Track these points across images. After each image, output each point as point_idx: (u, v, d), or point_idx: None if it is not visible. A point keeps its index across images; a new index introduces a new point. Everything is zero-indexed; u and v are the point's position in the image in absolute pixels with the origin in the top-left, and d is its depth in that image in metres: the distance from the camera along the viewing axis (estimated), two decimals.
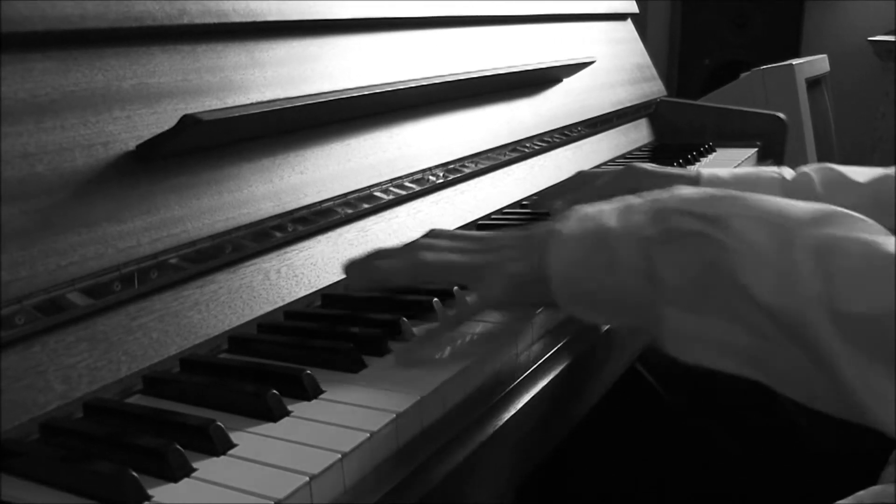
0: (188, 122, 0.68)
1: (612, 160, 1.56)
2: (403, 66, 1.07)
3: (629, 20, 1.89)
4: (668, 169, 1.10)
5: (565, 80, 1.44)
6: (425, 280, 0.71)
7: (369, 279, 0.71)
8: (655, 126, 1.82)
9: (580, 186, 1.12)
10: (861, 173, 1.04)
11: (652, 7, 3.54)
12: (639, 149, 1.70)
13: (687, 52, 3.10)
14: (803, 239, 0.57)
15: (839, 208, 0.59)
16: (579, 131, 1.47)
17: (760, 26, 3.05)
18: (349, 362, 0.67)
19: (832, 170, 1.06)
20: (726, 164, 1.63)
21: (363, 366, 0.67)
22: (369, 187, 0.94)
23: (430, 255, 0.70)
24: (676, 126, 1.84)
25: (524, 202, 1.22)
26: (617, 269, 0.63)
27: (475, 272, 0.70)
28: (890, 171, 1.03)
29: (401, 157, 1.01)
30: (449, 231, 0.75)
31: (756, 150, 1.76)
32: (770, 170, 1.08)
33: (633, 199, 0.67)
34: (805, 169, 1.07)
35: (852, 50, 2.95)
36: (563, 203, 1.04)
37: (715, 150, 1.74)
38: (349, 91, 0.88)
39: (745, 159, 1.69)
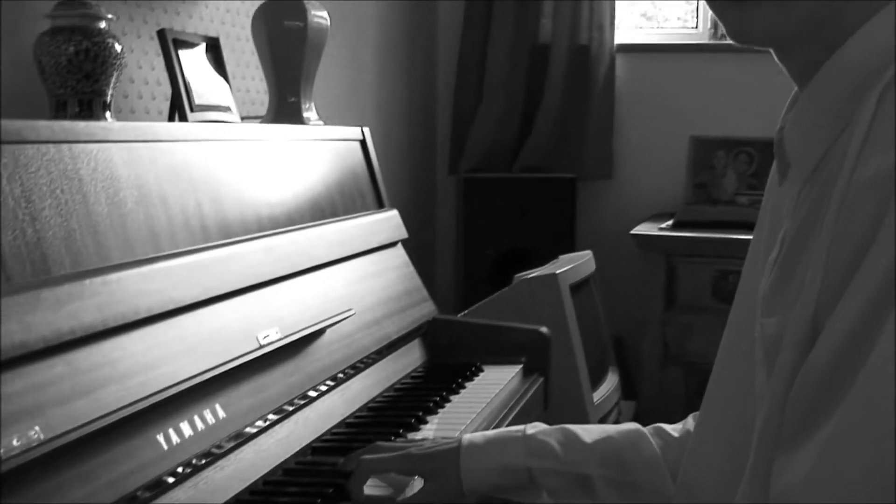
0: None
1: (382, 393, 1.65)
2: (166, 364, 1.13)
3: (399, 244, 2.00)
4: (441, 447, 1.22)
5: (329, 331, 1.53)
6: None
7: None
8: (428, 345, 1.92)
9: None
10: (590, 433, 1.20)
11: (441, 202, 3.72)
12: (410, 375, 1.79)
13: (472, 242, 3.26)
14: None
15: None
16: (346, 375, 1.56)
17: (539, 214, 3.25)
18: None
19: (567, 430, 1.21)
20: (493, 385, 1.75)
21: None
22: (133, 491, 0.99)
23: None
24: (448, 343, 1.95)
25: (289, 466, 1.29)
26: None
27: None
28: (612, 431, 1.19)
29: (158, 456, 1.07)
30: None
31: (521, 366, 1.88)
32: (516, 429, 1.23)
33: None
34: (544, 435, 1.20)
35: (620, 236, 3.17)
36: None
37: (483, 370, 1.85)
38: (93, 424, 0.94)
39: (511, 377, 1.81)
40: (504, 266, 3.20)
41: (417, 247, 3.48)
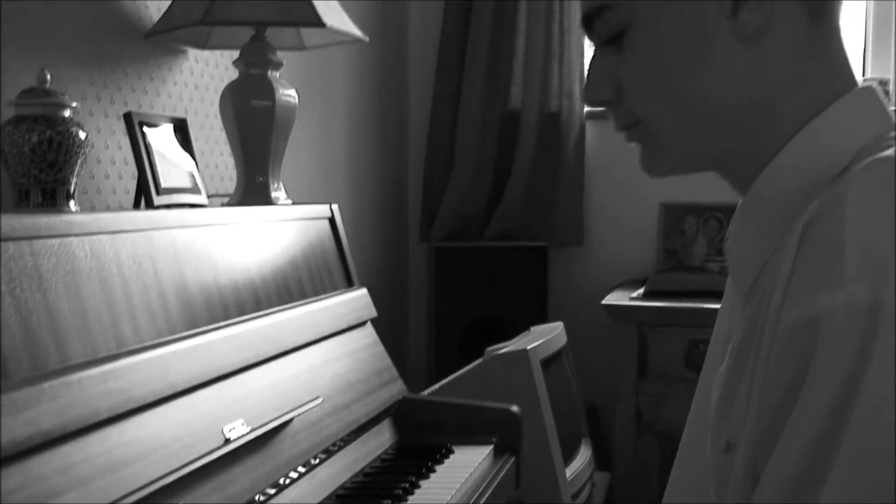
0: None
1: (351, 478, 1.62)
2: (128, 466, 1.11)
3: (368, 323, 1.98)
4: None
5: (296, 420, 1.50)
6: None
7: None
8: (398, 425, 1.90)
9: None
10: None
11: (413, 269, 3.72)
12: (380, 458, 1.76)
13: (443, 311, 3.25)
14: None
15: None
16: (314, 462, 1.53)
17: (510, 283, 3.25)
18: None
19: None
20: (463, 468, 1.72)
21: None
22: None
23: None
24: (419, 423, 1.93)
25: None
26: None
27: None
28: None
29: None
30: None
31: (492, 447, 1.86)
32: None
33: None
34: None
35: (592, 303, 3.16)
36: None
37: (453, 452, 1.83)
38: None
39: (482, 459, 1.79)
40: (476, 335, 3.19)
41: (390, 314, 3.47)
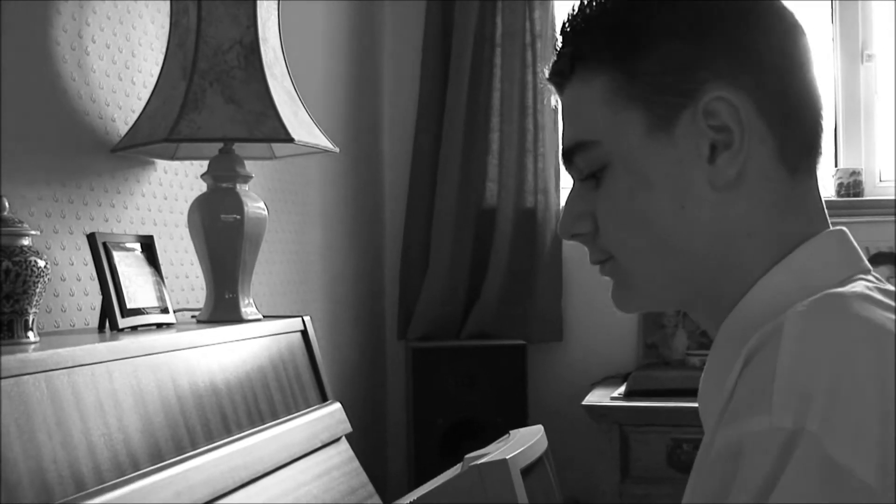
0: None
1: None
2: None
3: (343, 439, 1.93)
4: None
5: None
6: None
7: None
8: None
9: None
10: None
11: (391, 367, 3.67)
12: None
13: (421, 413, 3.19)
14: None
15: None
16: None
17: (489, 382, 3.19)
18: None
19: None
20: None
21: None
22: None
23: None
24: None
25: None
26: None
27: None
28: None
29: None
30: None
31: None
32: None
33: None
34: None
35: (572, 401, 3.11)
36: None
37: None
38: None
39: None
40: (455, 436, 3.13)
41: (368, 415, 3.41)
